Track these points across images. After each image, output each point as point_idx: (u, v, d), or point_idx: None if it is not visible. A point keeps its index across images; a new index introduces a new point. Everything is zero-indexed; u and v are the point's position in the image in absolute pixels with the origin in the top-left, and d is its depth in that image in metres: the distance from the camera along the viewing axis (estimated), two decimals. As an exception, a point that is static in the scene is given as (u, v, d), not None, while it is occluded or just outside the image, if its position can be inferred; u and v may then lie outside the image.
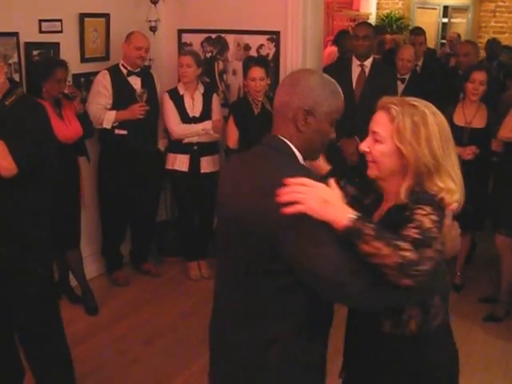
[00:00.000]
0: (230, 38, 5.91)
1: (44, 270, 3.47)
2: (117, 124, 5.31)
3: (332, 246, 1.96)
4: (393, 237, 1.94)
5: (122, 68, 5.38)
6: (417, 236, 1.96)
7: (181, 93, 5.53)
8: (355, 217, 1.95)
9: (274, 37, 5.65)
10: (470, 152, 5.04)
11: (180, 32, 6.15)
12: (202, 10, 5.93)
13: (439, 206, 2.09)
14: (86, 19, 5.36)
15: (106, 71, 5.30)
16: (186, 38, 6.13)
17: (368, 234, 1.91)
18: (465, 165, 4.85)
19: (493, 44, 8.18)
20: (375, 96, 5.91)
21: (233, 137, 5.36)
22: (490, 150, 5.09)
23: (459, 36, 10.22)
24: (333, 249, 1.96)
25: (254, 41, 5.77)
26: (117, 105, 5.31)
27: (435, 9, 13.25)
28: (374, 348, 2.33)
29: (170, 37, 6.16)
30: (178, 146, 5.56)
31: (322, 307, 2.21)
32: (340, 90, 2.26)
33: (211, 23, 5.91)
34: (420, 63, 7.05)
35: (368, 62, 5.66)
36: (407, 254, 1.89)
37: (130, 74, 5.39)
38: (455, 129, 5.02)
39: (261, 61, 5.40)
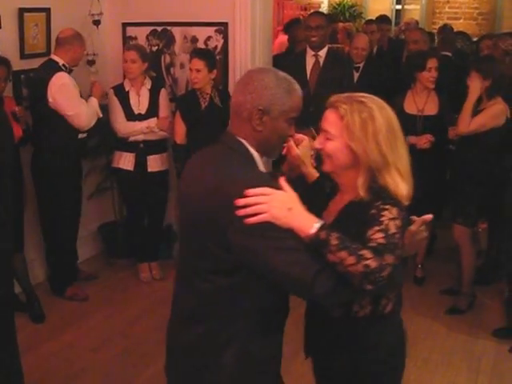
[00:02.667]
0: (177, 31, 5.86)
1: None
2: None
3: (296, 247, 2.03)
4: (356, 246, 2.03)
5: (63, 68, 5.14)
6: (381, 241, 2.08)
7: (126, 89, 5.45)
8: (319, 225, 2.04)
9: (222, 28, 5.62)
10: (426, 141, 5.08)
11: (124, 25, 6.07)
12: (146, 2, 5.88)
13: (401, 205, 2.21)
14: (26, 14, 5.25)
15: (65, 73, 5.06)
16: (131, 31, 6.05)
17: (332, 244, 2.01)
18: (421, 154, 4.97)
19: (445, 30, 8.25)
20: (331, 86, 5.94)
21: (180, 132, 5.32)
22: (445, 137, 5.12)
23: (417, 22, 10.26)
24: (297, 251, 2.03)
25: (202, 33, 5.73)
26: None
27: (388, -5, 13.36)
28: (325, 330, 2.48)
29: (114, 31, 6.08)
30: (123, 144, 5.48)
31: (276, 302, 2.27)
32: (297, 87, 2.29)
33: (156, 16, 5.85)
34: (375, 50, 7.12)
35: (322, 52, 5.65)
36: (370, 262, 2.00)
37: (69, 72, 5.21)
38: (408, 118, 5.08)
39: (202, 52, 5.34)
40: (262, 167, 2.30)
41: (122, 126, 5.41)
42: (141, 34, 6.00)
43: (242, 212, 1.99)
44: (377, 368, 2.43)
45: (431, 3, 12.62)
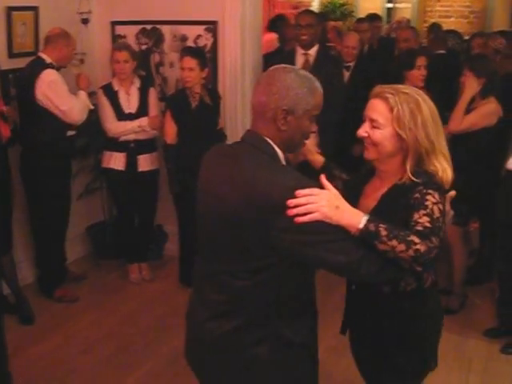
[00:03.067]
0: (166, 29, 5.85)
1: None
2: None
3: (343, 238, 2.19)
4: (404, 233, 2.21)
5: (50, 65, 5.10)
6: (428, 225, 2.26)
7: (115, 88, 5.43)
8: (367, 219, 2.20)
9: (212, 27, 5.62)
10: None
11: (113, 24, 6.06)
12: (135, 0, 5.86)
13: (443, 190, 2.43)
14: (14, 13, 5.24)
15: (53, 70, 5.04)
16: (120, 29, 6.04)
17: (383, 235, 2.19)
18: None
19: (434, 28, 8.26)
20: (321, 85, 5.90)
21: (170, 132, 5.29)
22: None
23: (408, 21, 10.29)
24: (344, 240, 2.19)
25: (191, 31, 5.72)
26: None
27: (379, -7, 13.36)
28: (373, 306, 2.68)
29: (102, 29, 6.07)
30: (113, 144, 5.46)
31: (304, 287, 2.42)
32: (318, 85, 2.36)
33: (146, 14, 5.84)
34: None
35: (313, 51, 5.64)
36: (419, 247, 2.19)
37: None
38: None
39: (193, 51, 5.32)
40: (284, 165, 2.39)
41: (114, 125, 5.39)
42: (130, 33, 5.99)
43: (292, 212, 2.09)
44: (422, 332, 2.68)
45: (422, 2, 12.63)
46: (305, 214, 2.10)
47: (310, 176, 2.28)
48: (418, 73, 5.14)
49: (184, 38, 5.76)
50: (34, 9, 5.42)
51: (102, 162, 5.58)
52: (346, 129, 5.72)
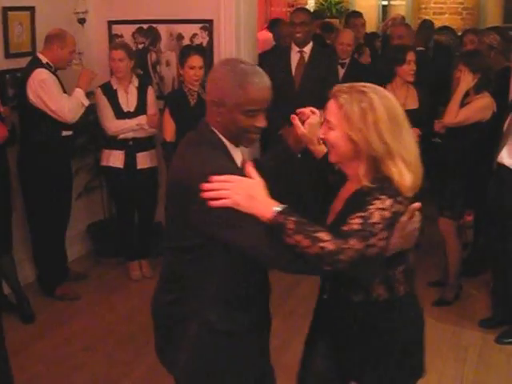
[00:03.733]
0: (162, 28, 5.92)
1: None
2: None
3: (249, 223, 2.18)
4: (313, 229, 2.14)
5: (48, 67, 5.14)
6: (355, 227, 2.16)
7: (114, 87, 5.50)
8: (278, 210, 2.16)
9: (208, 25, 5.69)
10: (415, 135, 5.16)
11: (110, 23, 6.13)
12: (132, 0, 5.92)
13: (401, 196, 2.26)
14: (10, 13, 5.25)
15: (45, 70, 5.07)
16: (117, 29, 6.11)
17: (289, 228, 2.13)
18: None
19: (424, 25, 8.34)
20: (316, 82, 5.95)
21: (169, 129, 5.34)
22: (427, 130, 5.20)
23: (403, 18, 10.33)
24: (250, 226, 2.19)
25: (187, 30, 5.80)
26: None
27: (374, -9, 13.42)
28: (345, 317, 2.55)
29: (99, 29, 6.12)
30: (112, 142, 5.53)
31: (242, 281, 2.41)
32: (256, 80, 2.37)
33: (142, 13, 5.91)
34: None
35: (307, 49, 5.71)
36: (325, 244, 2.11)
37: (53, 72, 5.19)
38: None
39: (200, 49, 5.44)
40: (237, 155, 2.44)
41: (113, 124, 5.46)
42: (126, 32, 6.06)
43: (206, 195, 2.15)
44: (401, 342, 2.52)
45: (417, -2, 12.73)
46: (218, 200, 2.15)
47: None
48: (408, 67, 5.20)
49: (180, 37, 5.84)
50: (31, 9, 5.43)
51: (101, 161, 5.64)
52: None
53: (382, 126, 2.27)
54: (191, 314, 2.41)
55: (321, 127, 2.48)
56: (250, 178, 2.24)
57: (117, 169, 5.54)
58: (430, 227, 5.81)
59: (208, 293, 2.38)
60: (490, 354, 4.55)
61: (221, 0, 5.52)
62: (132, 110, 5.51)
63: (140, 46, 6.02)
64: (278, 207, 2.17)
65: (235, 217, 2.17)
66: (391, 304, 2.50)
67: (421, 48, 6.92)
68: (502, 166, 4.53)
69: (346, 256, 2.10)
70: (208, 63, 5.59)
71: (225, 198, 2.15)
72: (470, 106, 4.90)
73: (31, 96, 5.00)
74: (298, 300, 5.23)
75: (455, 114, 4.87)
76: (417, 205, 2.37)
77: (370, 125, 2.26)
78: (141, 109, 5.51)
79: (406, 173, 2.28)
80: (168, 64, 5.94)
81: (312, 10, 10.51)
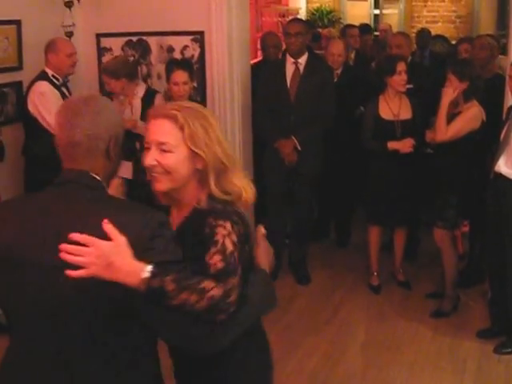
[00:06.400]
0: (152, 41, 5.96)
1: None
2: None
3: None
4: (196, 280, 1.96)
5: (53, 79, 5.20)
6: (219, 265, 2.05)
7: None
8: (149, 275, 1.89)
9: (199, 37, 5.73)
10: (409, 145, 5.28)
11: (98, 36, 6.16)
12: (120, 12, 5.94)
13: (239, 215, 2.19)
14: (-5, 27, 5.26)
15: (46, 82, 5.11)
16: (106, 42, 6.15)
17: (169, 290, 1.91)
18: (396, 158, 5.20)
19: (423, 34, 8.46)
20: (312, 94, 5.99)
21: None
22: (421, 141, 5.28)
23: (390, 27, 10.48)
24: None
25: (178, 42, 5.84)
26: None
27: (366, 0, 13.59)
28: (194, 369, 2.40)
29: (87, 42, 6.14)
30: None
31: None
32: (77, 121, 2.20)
33: (131, 25, 5.93)
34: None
35: (302, 59, 5.71)
36: (214, 292, 1.96)
37: (61, 85, 5.26)
38: (385, 123, 5.35)
39: (184, 63, 5.38)
40: None
41: None
42: (116, 45, 6.09)
43: (62, 256, 1.83)
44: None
45: (409, 7, 12.86)
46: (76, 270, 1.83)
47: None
48: (399, 78, 5.31)
49: (171, 49, 5.88)
50: (17, 22, 5.43)
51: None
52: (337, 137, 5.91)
53: (222, 140, 2.27)
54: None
55: (145, 154, 2.25)
56: (110, 237, 1.88)
57: (126, 180, 5.53)
58: (426, 236, 5.91)
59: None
60: (488, 364, 4.60)
61: (212, 11, 5.57)
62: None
63: (130, 59, 6.03)
64: (146, 271, 1.89)
65: None
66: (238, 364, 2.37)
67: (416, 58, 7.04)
68: (499, 176, 4.58)
69: (233, 296, 2.00)
70: (200, 76, 5.66)
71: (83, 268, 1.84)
72: (459, 119, 4.97)
73: (31, 108, 5.07)
74: (294, 315, 5.27)
75: (445, 130, 4.95)
76: (262, 231, 2.37)
77: (214, 140, 2.23)
78: (145, 119, 5.44)
79: (247, 184, 2.28)
80: (159, 77, 5.95)
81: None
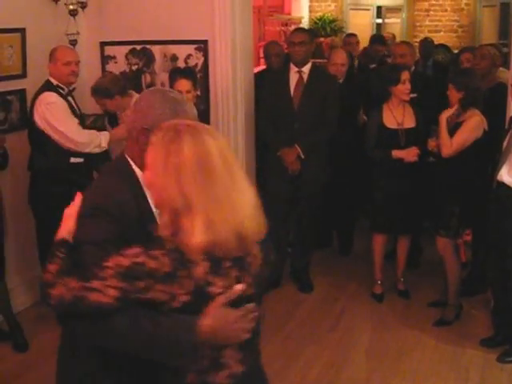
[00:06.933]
0: (156, 49, 5.99)
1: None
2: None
3: None
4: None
5: (58, 89, 5.09)
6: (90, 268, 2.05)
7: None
8: None
9: (202, 46, 5.76)
10: (414, 154, 5.32)
11: (102, 45, 6.18)
12: (124, 20, 5.96)
13: (164, 251, 1.99)
14: (0, 35, 5.25)
15: (54, 93, 5.00)
16: (110, 50, 6.17)
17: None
18: (399, 167, 5.21)
19: (426, 43, 8.50)
20: (315, 103, 6.00)
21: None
22: (424, 149, 5.31)
23: (394, 36, 10.54)
24: None
25: (182, 51, 5.87)
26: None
27: (368, 9, 13.68)
28: None
29: (91, 50, 6.16)
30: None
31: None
32: (186, 108, 2.41)
33: (135, 34, 5.96)
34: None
35: (306, 68, 5.74)
36: (46, 275, 2.12)
37: (67, 94, 5.15)
38: (390, 132, 5.38)
39: (187, 72, 5.38)
40: None
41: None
42: (120, 53, 6.12)
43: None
44: None
45: (412, 16, 12.92)
46: None
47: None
48: (404, 87, 5.36)
49: (174, 58, 5.91)
50: (21, 30, 5.43)
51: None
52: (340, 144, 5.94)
53: (185, 175, 1.98)
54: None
55: None
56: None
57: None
58: (428, 245, 5.93)
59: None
60: (491, 373, 4.61)
61: (215, 20, 5.61)
62: None
63: (134, 68, 6.09)
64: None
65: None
66: None
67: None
68: (502, 185, 4.61)
69: (57, 291, 2.04)
70: (203, 84, 5.68)
71: None
72: (462, 130, 5.02)
73: (37, 119, 4.94)
74: (296, 323, 5.26)
75: (450, 145, 4.99)
76: (238, 287, 2.07)
77: (171, 170, 1.98)
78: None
79: (199, 233, 1.95)
80: (163, 85, 5.91)
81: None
